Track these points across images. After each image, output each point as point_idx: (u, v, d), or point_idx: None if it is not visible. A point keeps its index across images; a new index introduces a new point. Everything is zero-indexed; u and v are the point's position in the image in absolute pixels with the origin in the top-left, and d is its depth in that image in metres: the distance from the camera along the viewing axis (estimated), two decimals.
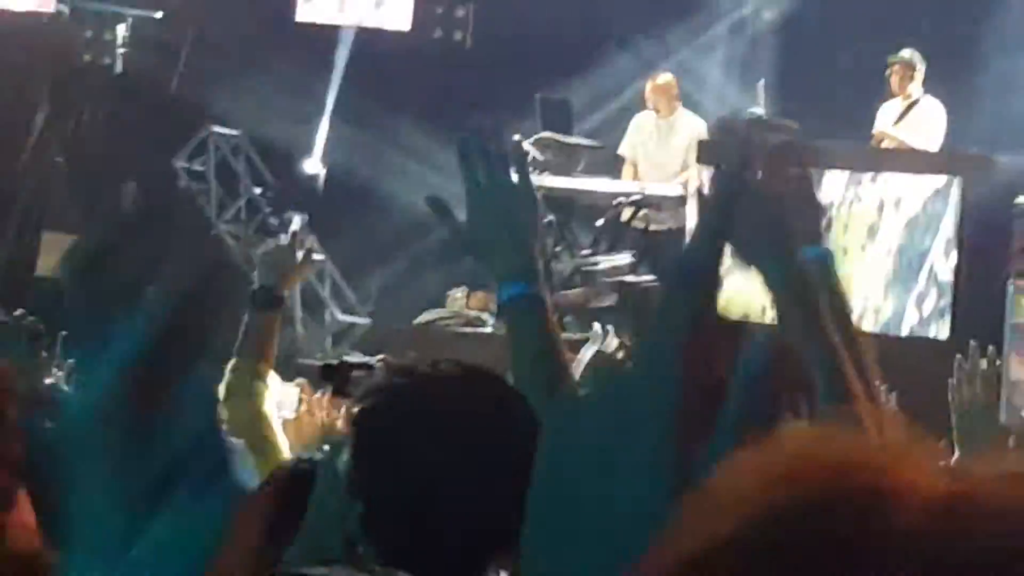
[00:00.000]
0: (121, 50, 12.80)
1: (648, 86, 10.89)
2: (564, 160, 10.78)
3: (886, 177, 9.73)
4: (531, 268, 2.28)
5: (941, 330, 9.30)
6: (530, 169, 6.87)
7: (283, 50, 12.28)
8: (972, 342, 3.49)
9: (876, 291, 9.48)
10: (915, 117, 10.46)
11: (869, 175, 9.70)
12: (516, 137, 9.14)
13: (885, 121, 10.53)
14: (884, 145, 10.55)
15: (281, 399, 3.97)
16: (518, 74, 11.50)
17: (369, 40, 12.78)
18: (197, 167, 12.00)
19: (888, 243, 9.56)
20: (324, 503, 2.05)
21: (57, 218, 12.08)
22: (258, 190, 12.09)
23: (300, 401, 4.54)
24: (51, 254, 11.99)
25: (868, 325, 8.89)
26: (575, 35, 12.08)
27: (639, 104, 11.16)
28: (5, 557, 2.23)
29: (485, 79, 12.00)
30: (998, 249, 9.05)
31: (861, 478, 0.81)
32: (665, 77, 10.94)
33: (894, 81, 10.50)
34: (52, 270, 11.18)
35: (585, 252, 10.77)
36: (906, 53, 10.55)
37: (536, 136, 10.68)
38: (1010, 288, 8.78)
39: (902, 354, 6.86)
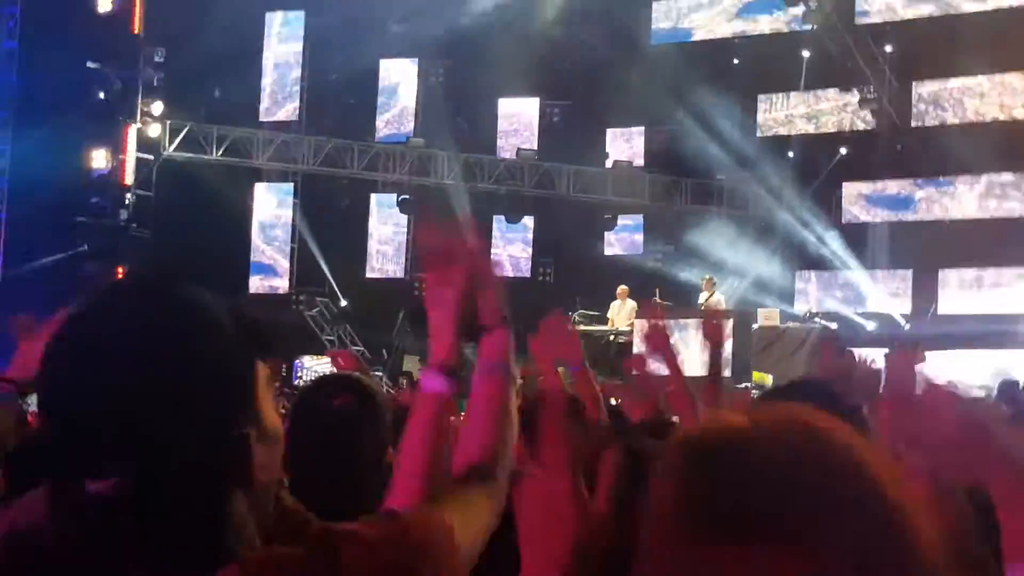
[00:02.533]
0: None
1: (619, 289, 28.91)
2: (588, 320, 29.82)
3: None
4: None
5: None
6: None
7: None
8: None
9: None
10: (713, 300, 29.24)
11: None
12: (568, 312, 28.77)
13: (700, 301, 29.30)
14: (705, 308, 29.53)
15: None
16: (573, 289, 31.06)
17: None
18: None
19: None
20: None
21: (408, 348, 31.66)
22: None
23: None
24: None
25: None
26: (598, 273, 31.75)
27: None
28: None
29: (560, 293, 31.48)
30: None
31: None
32: (623, 287, 28.76)
33: (706, 285, 29.38)
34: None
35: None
36: (708, 275, 29.56)
37: (579, 311, 29.77)
38: None
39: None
